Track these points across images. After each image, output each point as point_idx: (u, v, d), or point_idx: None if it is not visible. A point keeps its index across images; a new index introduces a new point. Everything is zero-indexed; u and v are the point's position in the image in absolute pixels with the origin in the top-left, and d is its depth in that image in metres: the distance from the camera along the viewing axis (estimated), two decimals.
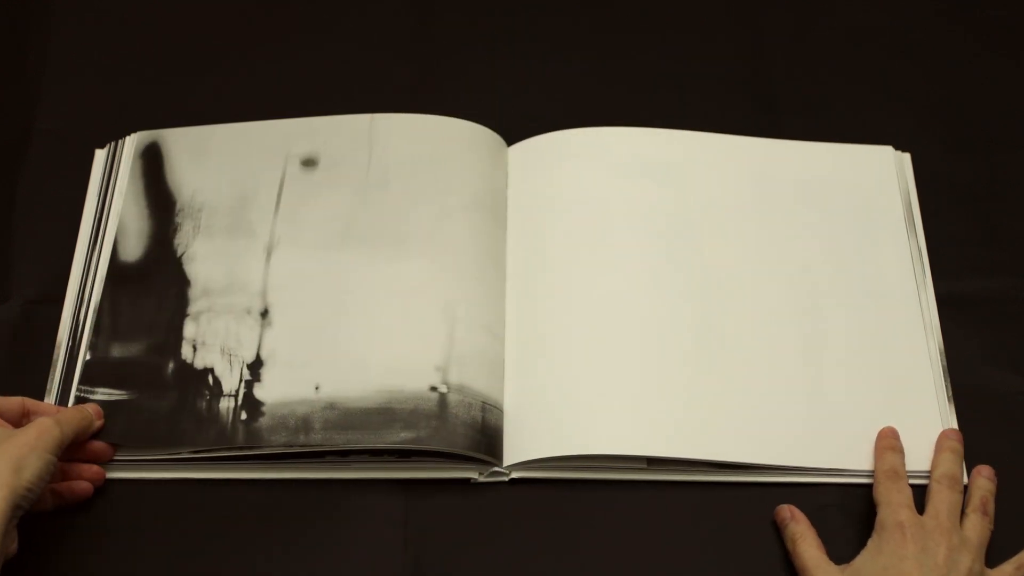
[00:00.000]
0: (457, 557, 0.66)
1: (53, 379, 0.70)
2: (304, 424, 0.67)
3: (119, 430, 0.67)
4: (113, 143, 0.79)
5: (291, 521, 0.67)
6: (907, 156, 0.81)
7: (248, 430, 0.67)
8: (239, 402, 0.68)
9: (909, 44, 0.88)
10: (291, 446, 0.66)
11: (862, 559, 0.64)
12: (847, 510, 0.68)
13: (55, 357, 0.71)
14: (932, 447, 0.69)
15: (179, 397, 0.68)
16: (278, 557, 0.66)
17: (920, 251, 0.77)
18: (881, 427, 0.69)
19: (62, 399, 0.69)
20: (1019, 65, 0.87)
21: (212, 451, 0.67)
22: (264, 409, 0.68)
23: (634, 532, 0.67)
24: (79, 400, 0.69)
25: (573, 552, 0.67)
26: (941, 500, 0.65)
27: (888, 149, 0.81)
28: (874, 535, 0.64)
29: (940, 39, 0.88)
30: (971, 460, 0.69)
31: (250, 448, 0.67)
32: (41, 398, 0.69)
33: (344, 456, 0.67)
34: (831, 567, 0.64)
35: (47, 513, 0.65)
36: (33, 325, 0.73)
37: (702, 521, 0.68)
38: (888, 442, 0.68)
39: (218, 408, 0.68)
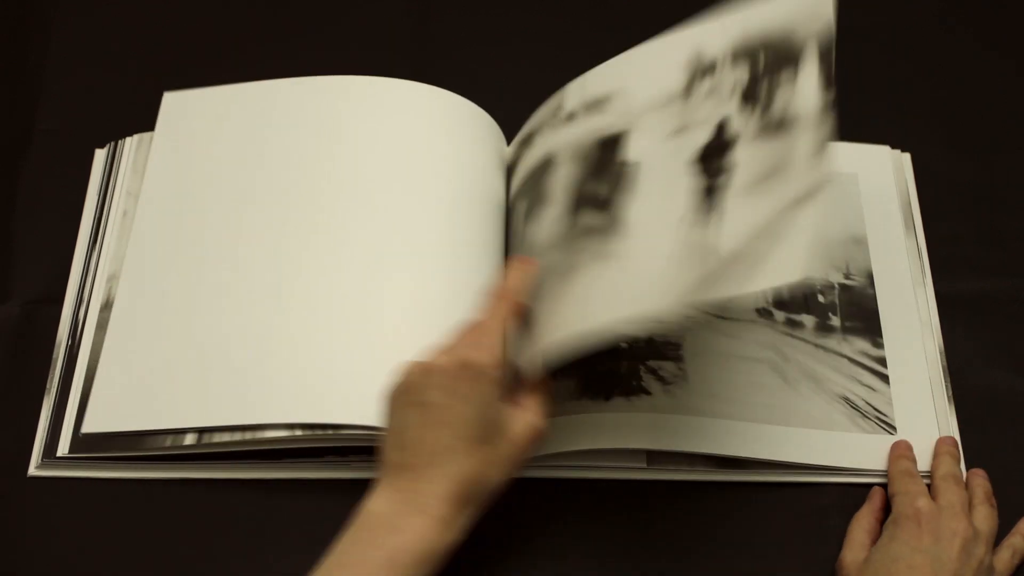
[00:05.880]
0: (456, 556, 0.66)
1: (53, 379, 0.70)
2: None
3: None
4: (113, 143, 0.79)
5: (290, 520, 0.67)
6: (907, 156, 0.81)
7: None
8: None
9: (909, 44, 0.88)
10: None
11: (877, 546, 0.64)
12: (847, 510, 0.68)
13: (55, 357, 0.71)
14: (931, 447, 0.69)
15: None
16: (276, 556, 0.66)
17: (920, 251, 0.77)
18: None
19: (61, 399, 0.69)
20: (1019, 65, 0.87)
21: (213, 447, 0.65)
22: None
23: (634, 532, 0.68)
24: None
25: (573, 551, 0.67)
26: (953, 495, 0.65)
27: (887, 149, 0.81)
28: (888, 524, 0.64)
29: (940, 39, 0.88)
30: (972, 460, 0.69)
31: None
32: (41, 398, 0.69)
33: (344, 456, 0.67)
34: (861, 549, 0.65)
35: None
36: (33, 325, 0.73)
37: (702, 520, 0.68)
38: (902, 451, 0.69)
39: None
